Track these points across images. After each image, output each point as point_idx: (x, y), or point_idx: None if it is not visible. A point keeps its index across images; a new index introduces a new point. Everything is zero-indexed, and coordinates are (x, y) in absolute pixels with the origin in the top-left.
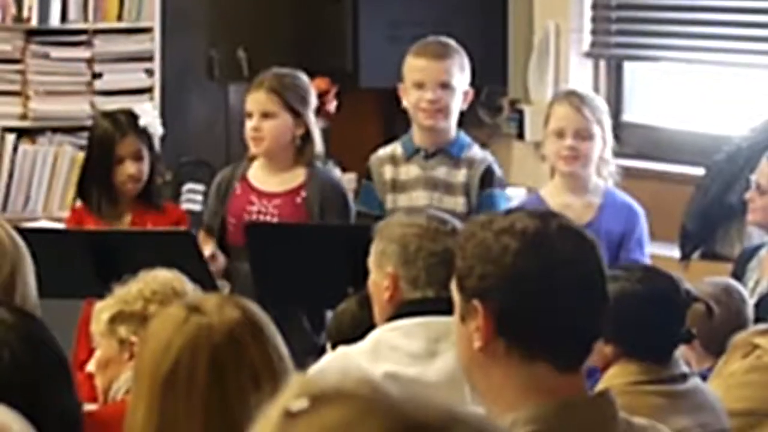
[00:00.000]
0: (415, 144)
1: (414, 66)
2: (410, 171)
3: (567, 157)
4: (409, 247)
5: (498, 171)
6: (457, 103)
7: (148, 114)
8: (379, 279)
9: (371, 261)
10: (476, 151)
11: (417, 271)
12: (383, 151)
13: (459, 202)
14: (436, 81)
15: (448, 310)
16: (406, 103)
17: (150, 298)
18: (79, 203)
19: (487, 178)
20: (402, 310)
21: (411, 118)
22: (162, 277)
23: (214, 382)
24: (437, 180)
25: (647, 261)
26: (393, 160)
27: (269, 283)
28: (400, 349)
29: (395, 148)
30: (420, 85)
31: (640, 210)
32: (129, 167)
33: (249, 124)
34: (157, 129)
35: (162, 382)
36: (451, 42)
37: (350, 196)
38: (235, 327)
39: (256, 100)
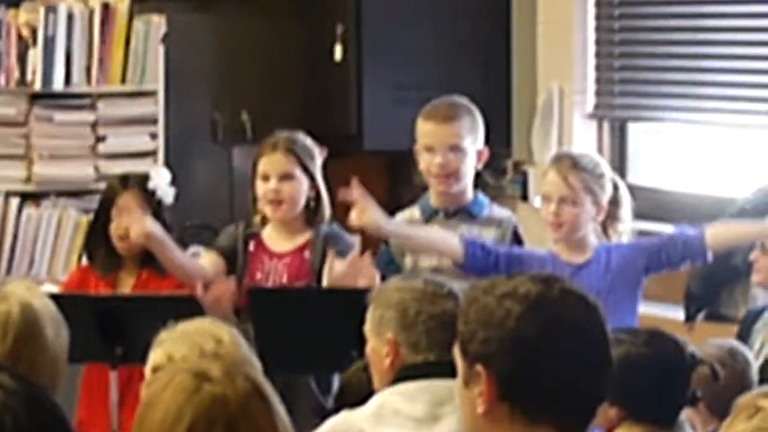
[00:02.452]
0: (433, 206)
1: (423, 130)
2: None
3: (552, 224)
4: (408, 311)
5: (521, 229)
6: (470, 164)
7: (162, 177)
8: (378, 346)
9: (368, 329)
10: (497, 210)
11: (417, 336)
12: (401, 216)
13: None
14: (446, 145)
15: (450, 374)
16: (420, 166)
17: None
18: (84, 263)
19: (518, 237)
20: (404, 374)
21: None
22: (212, 347)
23: None
24: None
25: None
26: (411, 222)
27: (273, 348)
28: (403, 413)
29: (413, 211)
30: (430, 149)
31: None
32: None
33: (266, 187)
34: (166, 194)
35: None
36: (462, 102)
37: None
38: (249, 399)
39: (275, 161)
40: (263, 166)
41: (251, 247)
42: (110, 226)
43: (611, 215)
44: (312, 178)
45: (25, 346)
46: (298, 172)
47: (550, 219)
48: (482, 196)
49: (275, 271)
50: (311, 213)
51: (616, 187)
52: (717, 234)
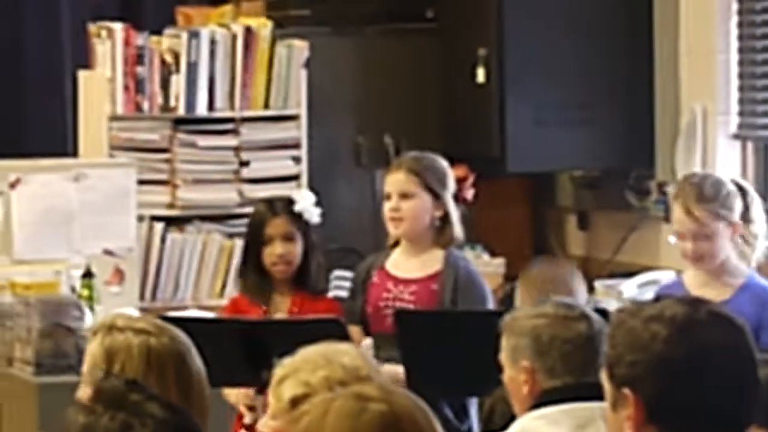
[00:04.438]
0: None
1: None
2: None
3: (692, 260)
4: (541, 338)
5: None
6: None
7: (306, 200)
8: (514, 374)
9: (503, 357)
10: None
11: (553, 361)
12: None
13: None
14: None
15: (589, 396)
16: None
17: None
18: (235, 294)
19: None
20: (543, 398)
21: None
22: (349, 361)
23: None
24: None
25: None
26: None
27: (421, 371)
28: None
29: None
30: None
31: None
32: (277, 247)
33: (388, 205)
34: (313, 215)
35: None
36: (724, 186)
37: (488, 288)
38: (415, 414)
39: (395, 180)
40: (386, 185)
41: (376, 279)
42: (262, 252)
43: (744, 218)
44: (438, 197)
45: (162, 375)
46: (419, 191)
47: (690, 255)
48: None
49: (401, 298)
50: (438, 233)
51: (743, 191)
52: None
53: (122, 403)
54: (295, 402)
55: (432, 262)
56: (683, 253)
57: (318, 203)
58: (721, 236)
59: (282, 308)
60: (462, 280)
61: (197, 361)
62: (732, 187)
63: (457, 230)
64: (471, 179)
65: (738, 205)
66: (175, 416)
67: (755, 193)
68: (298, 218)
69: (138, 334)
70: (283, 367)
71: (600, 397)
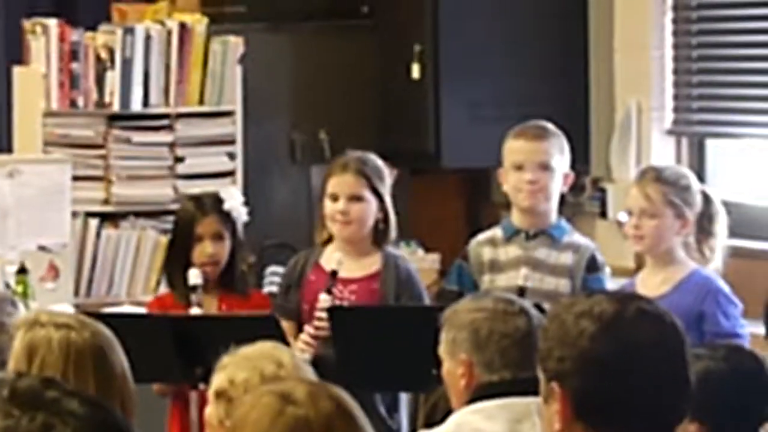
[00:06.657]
0: (515, 226)
1: (513, 148)
2: (510, 251)
3: (633, 237)
4: (480, 331)
5: (600, 258)
6: (557, 186)
7: (234, 198)
8: (452, 367)
9: (442, 350)
10: (578, 237)
11: (491, 355)
12: (483, 236)
13: (561, 284)
14: (536, 162)
15: (526, 391)
16: (506, 187)
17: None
18: (163, 290)
19: (593, 264)
20: (480, 393)
21: (511, 201)
22: (261, 364)
23: None
24: (538, 260)
25: (741, 330)
26: (492, 242)
27: (355, 367)
28: (483, 431)
29: (495, 231)
30: (519, 167)
31: (721, 285)
32: (207, 247)
33: (334, 207)
34: (241, 214)
35: None
36: (550, 125)
37: (424, 284)
38: (332, 420)
39: (344, 182)
40: (332, 186)
41: (312, 276)
42: (191, 252)
43: (705, 230)
44: (381, 199)
45: (81, 369)
46: (367, 194)
47: (631, 232)
48: (565, 222)
49: (341, 296)
50: (379, 234)
51: (709, 201)
52: None
53: (39, 402)
54: (219, 395)
55: (371, 262)
56: (627, 230)
57: (252, 199)
58: (666, 222)
59: (210, 308)
60: (403, 278)
61: (120, 357)
62: (696, 187)
63: (394, 231)
64: (393, 174)
65: (696, 204)
66: (96, 411)
67: (722, 210)
68: (226, 217)
69: (59, 329)
70: (224, 359)
71: (536, 392)
